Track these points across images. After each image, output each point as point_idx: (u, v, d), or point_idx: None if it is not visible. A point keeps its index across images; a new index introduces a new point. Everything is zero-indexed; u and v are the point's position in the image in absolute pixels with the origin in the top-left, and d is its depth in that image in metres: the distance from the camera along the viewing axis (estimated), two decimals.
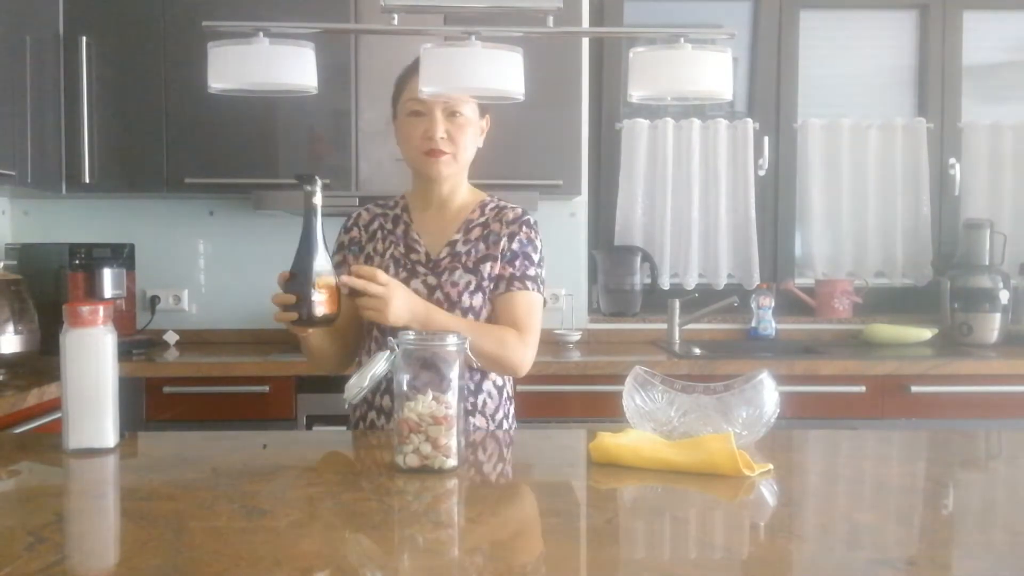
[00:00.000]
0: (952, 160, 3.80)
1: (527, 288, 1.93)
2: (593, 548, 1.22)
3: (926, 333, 3.55)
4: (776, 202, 3.87)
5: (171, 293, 3.61)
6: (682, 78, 1.71)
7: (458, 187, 2.00)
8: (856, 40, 3.90)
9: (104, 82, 3.23)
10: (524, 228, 1.96)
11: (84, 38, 3.19)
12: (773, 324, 3.65)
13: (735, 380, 1.69)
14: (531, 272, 1.95)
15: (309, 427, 3.00)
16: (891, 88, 3.91)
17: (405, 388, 1.50)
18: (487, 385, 1.96)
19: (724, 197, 3.73)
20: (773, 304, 3.66)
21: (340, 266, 2.00)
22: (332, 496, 1.39)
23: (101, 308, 1.62)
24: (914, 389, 3.09)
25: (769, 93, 3.84)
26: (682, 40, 1.70)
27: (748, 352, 3.54)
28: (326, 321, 1.70)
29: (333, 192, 3.15)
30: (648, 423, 1.65)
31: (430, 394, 1.49)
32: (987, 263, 3.56)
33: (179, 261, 3.62)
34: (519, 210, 1.99)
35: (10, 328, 2.65)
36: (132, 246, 3.49)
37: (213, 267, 3.63)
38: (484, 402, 1.95)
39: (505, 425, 1.99)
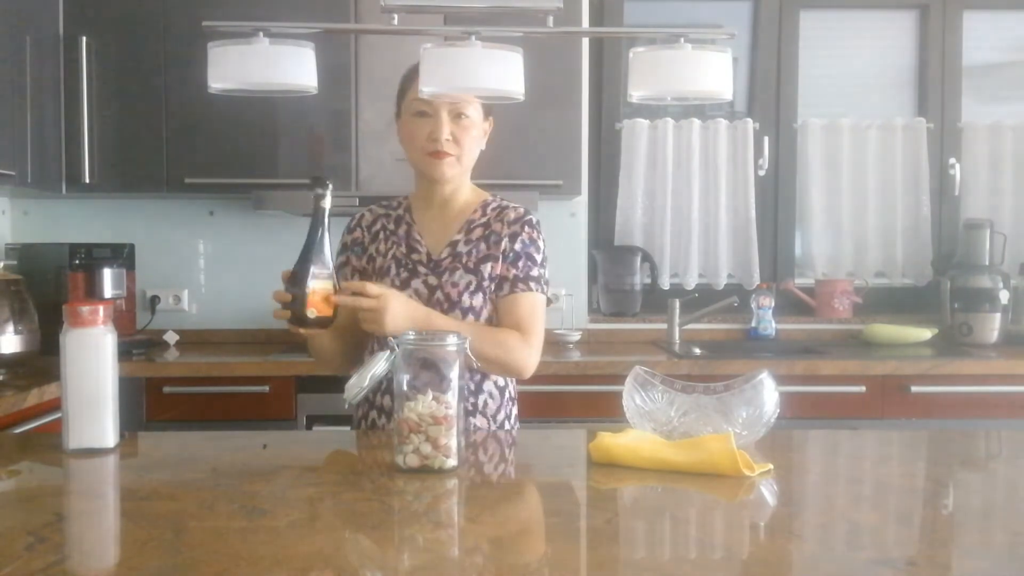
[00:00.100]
0: (952, 160, 3.80)
1: (530, 289, 1.93)
2: (593, 548, 1.22)
3: (926, 333, 3.55)
4: (776, 202, 3.87)
5: (171, 293, 3.61)
6: (682, 78, 1.71)
7: (460, 187, 2.00)
8: (856, 40, 3.90)
9: (104, 82, 3.23)
10: (526, 228, 1.96)
11: (84, 38, 3.19)
12: (773, 324, 3.65)
13: (735, 380, 1.69)
14: (534, 273, 1.94)
15: (309, 427, 3.00)
16: (891, 88, 3.91)
17: (405, 388, 1.50)
18: (488, 385, 1.96)
19: (724, 197, 3.73)
20: (773, 304, 3.66)
21: (343, 267, 2.02)
22: (332, 496, 1.39)
23: (101, 308, 1.62)
24: (914, 389, 3.09)
25: (769, 93, 3.84)
26: (682, 40, 1.70)
27: (748, 352, 3.54)
28: (319, 323, 1.72)
29: (333, 192, 3.14)
30: (648, 423, 1.65)
31: (430, 394, 1.49)
32: (987, 263, 3.56)
33: (179, 261, 3.62)
34: (521, 210, 1.99)
35: (10, 328, 2.65)
36: (132, 246, 3.49)
37: (213, 267, 3.63)
38: (485, 402, 1.95)
39: (507, 426, 1.99)
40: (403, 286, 1.93)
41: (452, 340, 1.52)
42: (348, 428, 2.37)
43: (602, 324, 3.69)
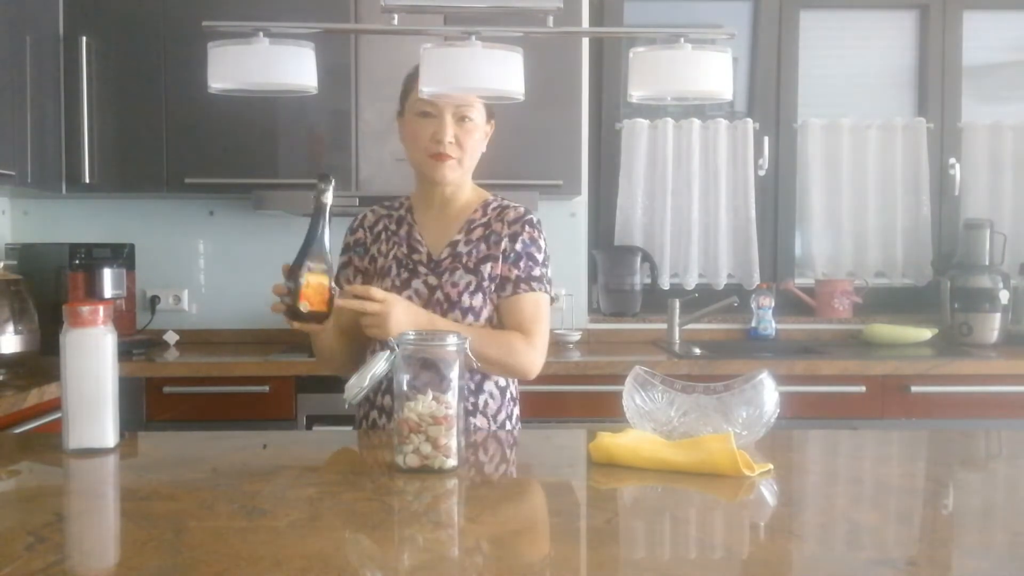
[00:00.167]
0: (952, 160, 3.79)
1: (533, 289, 1.93)
2: (593, 548, 1.22)
3: (926, 333, 3.55)
4: (776, 202, 3.87)
5: (171, 293, 3.61)
6: (682, 78, 1.71)
7: (461, 187, 2.00)
8: (856, 40, 3.90)
9: (104, 82, 3.23)
10: (527, 228, 1.96)
11: (84, 38, 3.19)
12: (773, 324, 3.65)
13: (735, 380, 1.69)
14: (536, 272, 1.94)
15: (309, 427, 3.00)
16: (891, 88, 3.90)
17: (405, 388, 1.50)
18: (488, 385, 1.96)
19: (724, 197, 3.73)
20: (773, 304, 3.66)
21: (346, 267, 2.02)
22: (332, 496, 1.39)
23: (101, 308, 1.62)
24: (914, 389, 3.09)
25: (769, 93, 3.84)
26: (682, 40, 1.70)
27: (748, 352, 3.54)
28: (313, 318, 1.73)
29: (333, 192, 3.14)
30: (648, 423, 1.65)
31: (430, 394, 1.49)
32: (987, 263, 3.56)
33: (179, 261, 3.62)
34: (521, 209, 1.99)
35: (10, 328, 2.65)
36: (132, 246, 3.49)
37: (213, 267, 3.63)
38: (486, 402, 1.95)
39: (508, 426, 1.99)
40: (403, 286, 1.93)
41: (452, 340, 1.52)
42: (349, 428, 2.37)
43: (602, 324, 3.69)
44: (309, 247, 1.72)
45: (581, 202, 3.64)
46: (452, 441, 1.49)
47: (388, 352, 1.58)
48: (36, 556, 1.12)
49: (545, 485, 1.57)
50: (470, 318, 1.91)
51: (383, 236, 2.01)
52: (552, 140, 3.31)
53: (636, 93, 1.76)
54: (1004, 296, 3.53)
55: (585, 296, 3.70)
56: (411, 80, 1.95)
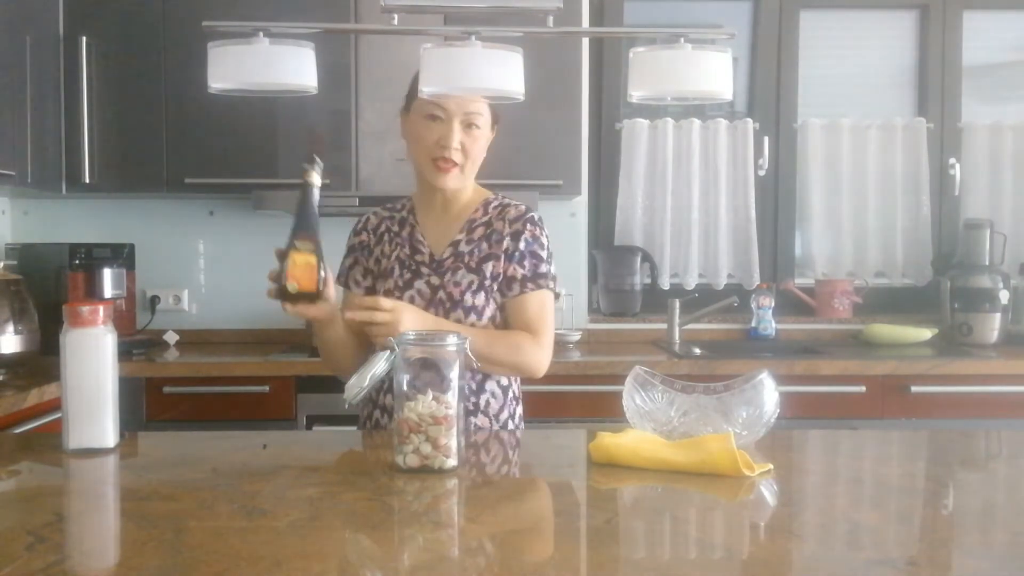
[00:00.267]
0: (952, 160, 3.79)
1: (538, 287, 1.93)
2: (593, 548, 1.22)
3: (926, 333, 3.55)
4: (776, 202, 3.87)
5: (171, 293, 3.61)
6: (682, 78, 1.71)
7: (463, 189, 1.99)
8: (856, 40, 3.90)
9: (104, 82, 3.23)
10: (528, 226, 1.96)
11: (84, 38, 3.19)
12: (773, 324, 3.65)
13: (735, 380, 1.69)
14: (542, 270, 1.94)
15: (309, 427, 3.00)
16: (891, 88, 3.90)
17: (405, 388, 1.50)
18: (490, 385, 1.96)
19: (724, 197, 3.73)
20: (773, 304, 3.66)
21: (353, 267, 2.04)
22: (332, 496, 1.38)
23: (101, 308, 1.62)
24: (914, 389, 3.09)
25: (769, 93, 3.84)
26: (682, 40, 1.70)
27: (748, 352, 3.54)
28: (302, 298, 1.74)
29: (333, 192, 3.14)
30: (648, 423, 1.65)
31: (430, 394, 1.49)
32: (987, 263, 3.56)
33: (179, 261, 3.62)
34: (522, 207, 1.99)
35: (10, 328, 2.65)
36: (132, 246, 3.49)
37: (213, 267, 3.63)
38: (487, 402, 1.95)
39: (511, 425, 1.99)
40: (406, 287, 1.94)
41: (452, 340, 1.52)
42: (348, 428, 2.37)
43: (602, 324, 3.69)
44: (294, 231, 1.74)
45: (581, 202, 3.64)
46: (452, 441, 1.49)
47: (388, 352, 1.58)
48: (36, 556, 1.12)
49: (545, 485, 1.57)
50: (473, 317, 1.91)
51: (386, 238, 2.01)
52: (552, 140, 3.31)
53: (636, 93, 1.76)
54: (1004, 296, 3.53)
55: (585, 296, 3.70)
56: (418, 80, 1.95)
